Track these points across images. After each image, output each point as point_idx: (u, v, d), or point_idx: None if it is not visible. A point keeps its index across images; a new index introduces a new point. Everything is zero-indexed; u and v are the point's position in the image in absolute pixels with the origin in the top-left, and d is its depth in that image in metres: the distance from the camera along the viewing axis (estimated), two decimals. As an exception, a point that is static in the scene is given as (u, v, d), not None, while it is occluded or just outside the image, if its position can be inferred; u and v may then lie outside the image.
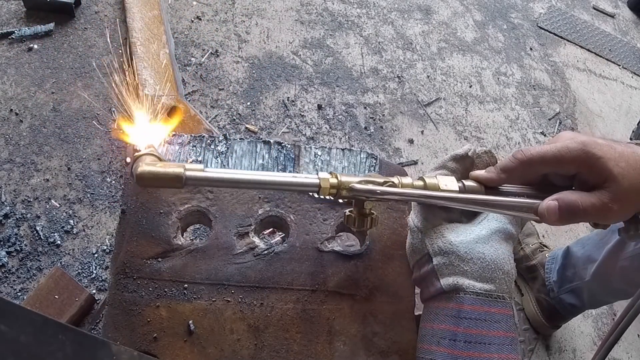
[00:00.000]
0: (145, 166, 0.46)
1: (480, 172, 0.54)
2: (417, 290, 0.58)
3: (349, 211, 0.54)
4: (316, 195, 0.51)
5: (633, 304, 0.50)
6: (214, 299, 0.56)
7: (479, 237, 0.51)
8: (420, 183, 0.52)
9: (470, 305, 0.49)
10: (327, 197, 0.51)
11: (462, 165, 0.56)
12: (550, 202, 0.48)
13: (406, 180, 0.52)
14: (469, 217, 0.56)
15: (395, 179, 0.52)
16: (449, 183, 0.52)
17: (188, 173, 0.45)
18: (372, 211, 0.53)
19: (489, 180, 0.53)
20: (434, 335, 0.50)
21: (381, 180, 0.51)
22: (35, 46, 1.44)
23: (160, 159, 0.49)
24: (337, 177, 0.49)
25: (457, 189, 0.52)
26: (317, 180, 0.49)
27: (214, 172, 0.47)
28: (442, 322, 0.50)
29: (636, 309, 0.50)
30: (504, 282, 0.51)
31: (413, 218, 0.56)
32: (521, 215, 0.51)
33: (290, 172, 0.65)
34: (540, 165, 0.50)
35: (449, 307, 0.50)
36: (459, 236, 0.52)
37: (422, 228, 0.54)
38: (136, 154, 0.49)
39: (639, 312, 0.50)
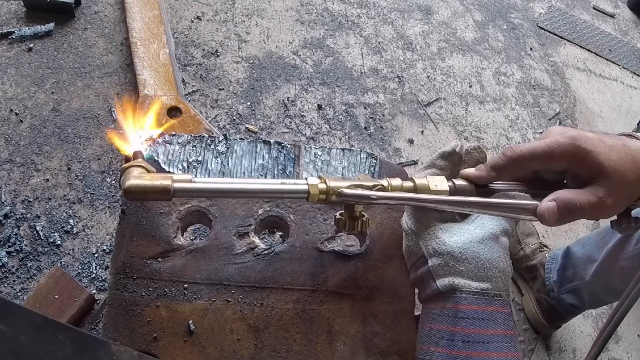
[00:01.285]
0: (133, 180, 0.45)
1: (470, 171, 0.54)
2: (417, 290, 0.58)
3: (340, 214, 0.54)
4: (306, 202, 0.50)
5: (625, 297, 0.50)
6: (214, 299, 0.56)
7: (473, 236, 0.51)
8: (410, 184, 0.52)
9: (467, 304, 0.49)
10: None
11: (451, 162, 0.56)
12: (548, 203, 0.48)
13: (396, 182, 0.52)
14: (463, 215, 0.56)
15: (384, 182, 0.51)
16: (439, 183, 0.52)
17: (176, 185, 0.45)
18: (362, 213, 0.53)
19: (479, 178, 0.53)
20: (432, 336, 0.50)
21: (370, 183, 0.50)
22: (35, 46, 1.44)
23: (148, 170, 0.48)
24: (326, 182, 0.49)
25: (448, 188, 0.52)
26: (306, 187, 0.48)
27: (202, 182, 0.47)
28: (440, 323, 0.50)
29: (631, 299, 0.49)
30: (501, 280, 0.51)
31: (406, 220, 0.56)
32: (519, 217, 0.51)
33: (290, 172, 0.65)
34: (531, 161, 0.50)
35: (446, 307, 0.50)
36: (453, 236, 0.52)
37: (415, 230, 0.54)
38: (123, 166, 0.48)
39: (632, 305, 0.50)
